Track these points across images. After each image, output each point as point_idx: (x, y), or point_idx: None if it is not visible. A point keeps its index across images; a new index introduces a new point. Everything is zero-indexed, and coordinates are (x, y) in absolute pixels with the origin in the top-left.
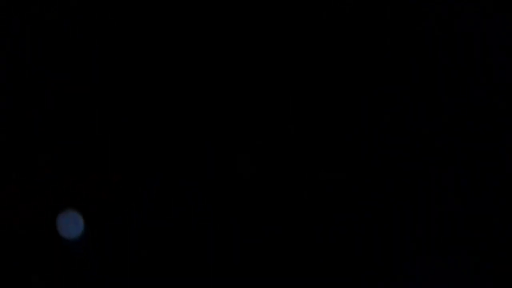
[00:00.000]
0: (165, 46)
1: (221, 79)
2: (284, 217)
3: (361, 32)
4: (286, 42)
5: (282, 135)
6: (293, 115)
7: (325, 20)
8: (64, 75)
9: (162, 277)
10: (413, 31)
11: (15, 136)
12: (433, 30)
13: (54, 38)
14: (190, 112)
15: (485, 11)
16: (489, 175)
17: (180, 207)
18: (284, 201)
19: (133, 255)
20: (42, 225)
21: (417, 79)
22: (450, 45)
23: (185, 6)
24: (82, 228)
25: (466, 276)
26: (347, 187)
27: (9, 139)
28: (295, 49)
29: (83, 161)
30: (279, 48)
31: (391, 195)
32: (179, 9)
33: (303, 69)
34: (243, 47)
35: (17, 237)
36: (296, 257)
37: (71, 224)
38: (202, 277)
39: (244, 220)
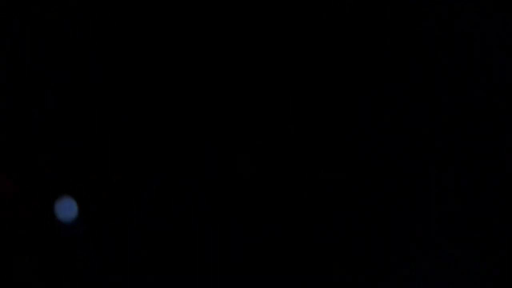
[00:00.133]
0: (165, 46)
1: (221, 79)
2: (284, 217)
3: (361, 32)
4: (286, 42)
5: (282, 135)
6: (293, 115)
7: (325, 20)
8: (64, 75)
9: (162, 277)
10: (413, 31)
11: (15, 136)
12: (433, 30)
13: (54, 38)
14: (190, 112)
15: (485, 11)
16: (489, 175)
17: (180, 207)
18: (284, 201)
19: (133, 255)
20: (42, 225)
21: (417, 79)
22: (450, 45)
23: (185, 6)
24: (76, 213)
25: (466, 276)
26: (347, 187)
27: (9, 139)
28: (295, 49)
29: (83, 161)
30: (279, 48)
31: (391, 195)
32: (179, 9)
33: (303, 69)
34: (243, 47)
35: (17, 237)
36: (296, 257)
37: (66, 210)
38: (202, 277)
39: (244, 220)
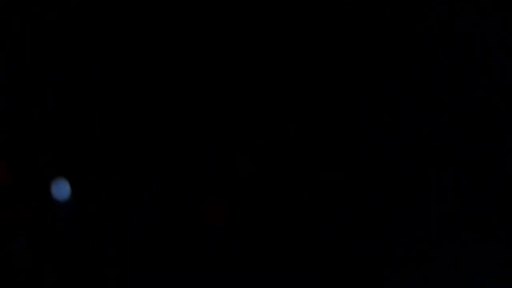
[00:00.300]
0: (165, 46)
1: (221, 79)
2: (284, 217)
3: (361, 32)
4: (286, 42)
5: (282, 135)
6: (293, 115)
7: (325, 20)
8: (64, 75)
9: (162, 277)
10: (413, 31)
11: (15, 136)
12: (433, 30)
13: (54, 38)
14: (190, 112)
15: (485, 11)
16: (489, 175)
17: (180, 207)
18: (284, 201)
19: (133, 255)
20: (42, 225)
21: (417, 79)
22: (450, 45)
23: (185, 6)
24: (69, 192)
25: (466, 275)
26: (347, 187)
27: (9, 139)
28: (295, 49)
29: (83, 161)
30: (279, 48)
31: (391, 195)
32: (179, 9)
33: (303, 69)
34: (243, 47)
35: (17, 237)
36: (296, 257)
37: (60, 189)
38: (202, 277)
39: (244, 220)
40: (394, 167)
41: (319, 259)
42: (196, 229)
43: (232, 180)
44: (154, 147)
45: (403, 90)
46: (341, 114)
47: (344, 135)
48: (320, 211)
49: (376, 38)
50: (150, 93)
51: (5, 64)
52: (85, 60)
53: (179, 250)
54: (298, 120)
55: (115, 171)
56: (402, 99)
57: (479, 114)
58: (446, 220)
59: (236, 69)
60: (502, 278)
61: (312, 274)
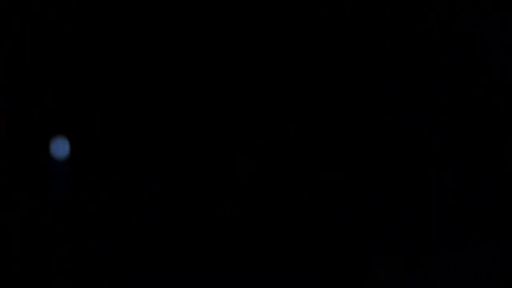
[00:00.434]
0: (165, 47)
1: (221, 79)
2: (284, 217)
3: (361, 32)
4: (286, 42)
5: (282, 135)
6: (293, 115)
7: (325, 20)
8: (64, 75)
9: (162, 277)
10: (413, 31)
11: (15, 136)
12: (433, 30)
13: (54, 38)
14: (190, 112)
15: (485, 11)
16: (489, 175)
17: (180, 207)
18: (284, 201)
19: (133, 255)
20: (42, 225)
21: (417, 79)
22: (450, 45)
23: (185, 7)
24: (67, 150)
25: (466, 275)
26: (347, 187)
27: (9, 139)
28: (295, 49)
29: (83, 161)
30: (279, 49)
31: (391, 195)
32: (179, 10)
33: (303, 69)
34: (243, 48)
35: (17, 237)
36: (296, 257)
37: (59, 147)
38: (202, 277)
39: (244, 220)
40: (394, 167)
41: (319, 259)
42: (196, 229)
43: (232, 180)
44: (154, 147)
45: (403, 90)
46: (341, 114)
47: (344, 135)
48: (320, 211)
49: (376, 38)
50: (150, 93)
51: (5, 64)
52: (85, 60)
53: (179, 250)
54: (298, 120)
55: (115, 171)
56: (402, 99)
57: (479, 114)
58: (446, 220)
59: (236, 69)
60: (502, 278)
61: (312, 274)
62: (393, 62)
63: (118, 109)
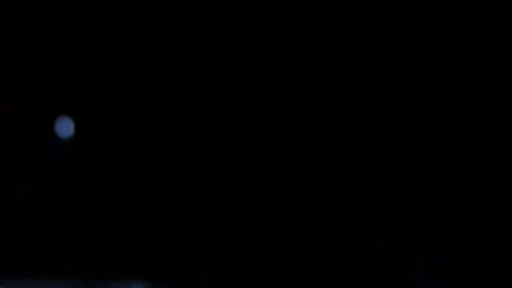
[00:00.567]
0: (165, 47)
1: (221, 79)
2: (284, 217)
3: (361, 32)
4: (286, 42)
5: (282, 135)
6: (293, 115)
7: (325, 20)
8: (64, 75)
9: (161, 277)
10: (413, 31)
11: (15, 136)
12: (433, 30)
13: (54, 38)
14: (190, 112)
15: (485, 11)
16: (489, 175)
17: (180, 207)
18: (284, 201)
19: (133, 255)
20: (43, 225)
21: (417, 79)
22: (450, 45)
23: (185, 7)
24: (72, 131)
25: (466, 275)
26: (347, 187)
27: (9, 139)
28: (295, 50)
29: (83, 161)
30: (279, 49)
31: (391, 195)
32: (179, 10)
33: (303, 69)
34: (243, 48)
35: (17, 237)
36: (296, 257)
37: (64, 127)
38: (202, 276)
39: (244, 220)
40: (394, 167)
41: (319, 259)
42: (196, 229)
43: (232, 180)
44: (154, 147)
45: (403, 90)
46: (341, 114)
47: (344, 135)
48: (320, 211)
49: (376, 38)
50: (150, 94)
51: (5, 64)
52: (85, 60)
53: (179, 250)
54: (298, 120)
55: (115, 171)
56: (402, 99)
57: (479, 114)
58: (446, 219)
59: (236, 69)
60: (501, 278)
61: (312, 274)
62: (393, 62)
63: (118, 109)
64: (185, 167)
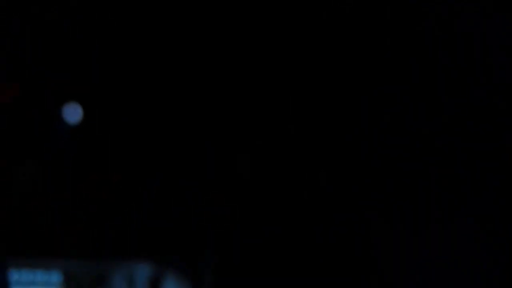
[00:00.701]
0: (165, 47)
1: (221, 79)
2: (284, 217)
3: (361, 32)
4: (286, 42)
5: (282, 135)
6: (293, 115)
7: (325, 20)
8: (64, 75)
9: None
10: (413, 31)
11: (15, 136)
12: (433, 30)
13: (54, 38)
14: (190, 113)
15: (485, 11)
16: (489, 175)
17: (180, 207)
18: (284, 201)
19: (133, 255)
20: (43, 225)
21: (417, 79)
22: (450, 45)
23: (185, 7)
24: (80, 115)
25: (466, 275)
26: (347, 187)
27: (9, 139)
28: (295, 50)
29: (83, 161)
30: (279, 49)
31: (391, 195)
32: (179, 10)
33: (303, 69)
34: (243, 48)
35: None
36: (296, 257)
37: (72, 112)
38: (201, 276)
39: (244, 220)
40: (394, 167)
41: (319, 259)
42: (196, 229)
43: (232, 180)
44: (154, 147)
45: (403, 90)
46: (341, 114)
47: (344, 135)
48: (320, 211)
49: (376, 38)
50: (150, 94)
51: (5, 64)
52: (85, 60)
53: (179, 249)
54: (298, 120)
55: (115, 171)
56: (402, 99)
57: (479, 114)
58: (446, 219)
59: (236, 69)
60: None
61: (312, 274)
62: (393, 62)
63: (118, 109)
64: (185, 167)
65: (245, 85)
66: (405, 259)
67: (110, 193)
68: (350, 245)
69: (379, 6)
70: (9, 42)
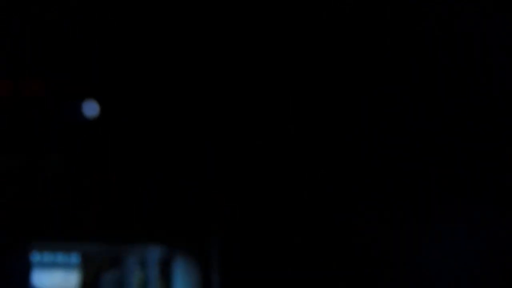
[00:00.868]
0: (165, 47)
1: (221, 79)
2: (285, 217)
3: (361, 32)
4: (286, 42)
5: (282, 135)
6: (293, 115)
7: (325, 20)
8: (64, 75)
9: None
10: (413, 31)
11: (15, 136)
12: (433, 30)
13: (54, 38)
14: (190, 112)
15: (485, 11)
16: (489, 175)
17: (188, 195)
18: (284, 201)
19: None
20: (63, 212)
21: (417, 79)
22: (450, 45)
23: (185, 7)
24: (98, 110)
25: (467, 275)
26: (347, 187)
27: (9, 139)
28: (295, 50)
29: (83, 161)
30: (279, 49)
31: (391, 195)
32: (179, 10)
33: (303, 69)
34: (243, 48)
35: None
36: (296, 257)
37: (89, 107)
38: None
39: (244, 220)
40: (394, 167)
41: (319, 259)
42: (204, 215)
43: (232, 180)
44: (154, 147)
45: (403, 90)
46: (341, 114)
47: (344, 135)
48: (320, 211)
49: (376, 38)
50: (150, 94)
51: (5, 64)
52: (85, 60)
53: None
54: (298, 120)
55: (115, 171)
56: (402, 99)
57: (479, 114)
58: (445, 219)
59: (236, 69)
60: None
61: (312, 274)
62: (393, 62)
63: (118, 109)
64: (185, 167)
65: (245, 85)
66: (405, 259)
67: (126, 183)
68: (350, 245)
69: (379, 6)
70: (8, 42)
